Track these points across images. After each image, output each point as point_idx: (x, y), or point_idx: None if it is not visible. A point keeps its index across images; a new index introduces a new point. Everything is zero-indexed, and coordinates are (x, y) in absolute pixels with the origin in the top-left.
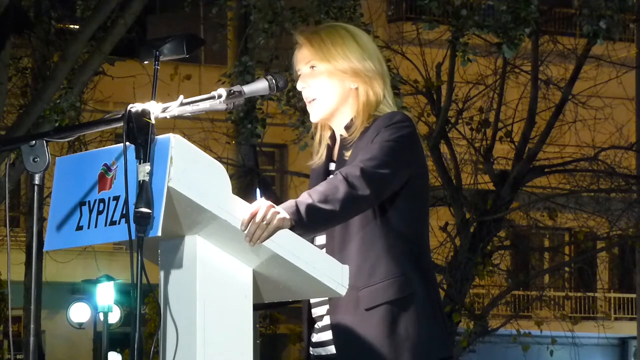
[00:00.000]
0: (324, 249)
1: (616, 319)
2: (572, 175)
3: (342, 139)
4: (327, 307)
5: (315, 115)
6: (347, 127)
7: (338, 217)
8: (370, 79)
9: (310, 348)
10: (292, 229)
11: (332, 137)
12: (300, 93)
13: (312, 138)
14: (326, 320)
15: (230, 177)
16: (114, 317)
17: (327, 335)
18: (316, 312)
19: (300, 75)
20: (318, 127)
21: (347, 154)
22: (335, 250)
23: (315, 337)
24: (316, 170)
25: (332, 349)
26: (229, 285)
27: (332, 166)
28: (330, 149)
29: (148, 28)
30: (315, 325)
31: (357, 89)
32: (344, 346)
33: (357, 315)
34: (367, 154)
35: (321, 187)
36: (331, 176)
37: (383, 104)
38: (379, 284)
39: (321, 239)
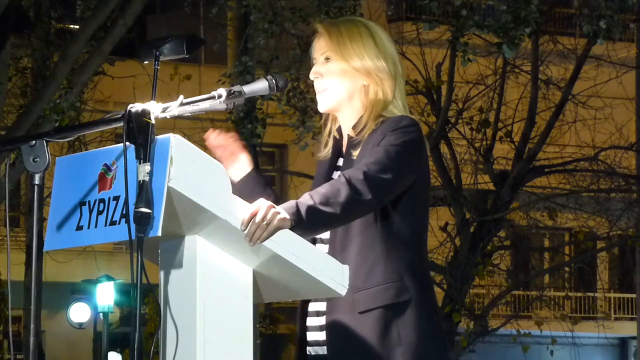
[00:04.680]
0: (327, 249)
1: (616, 319)
2: (572, 175)
3: (350, 137)
4: (320, 305)
5: (323, 105)
6: (355, 126)
7: (338, 220)
8: (381, 79)
9: (307, 347)
10: (291, 229)
11: (339, 130)
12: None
13: (315, 134)
14: (320, 321)
15: None
16: (114, 317)
17: (321, 335)
18: (314, 307)
19: (314, 64)
20: (329, 120)
21: (355, 153)
22: (336, 250)
23: (312, 336)
24: (322, 164)
25: (325, 349)
26: (229, 285)
27: (341, 161)
28: (337, 142)
29: (148, 28)
30: (312, 324)
31: (368, 86)
32: (336, 347)
33: (351, 318)
34: (371, 157)
35: (323, 189)
36: (336, 173)
37: (393, 105)
38: (374, 287)
39: (326, 234)
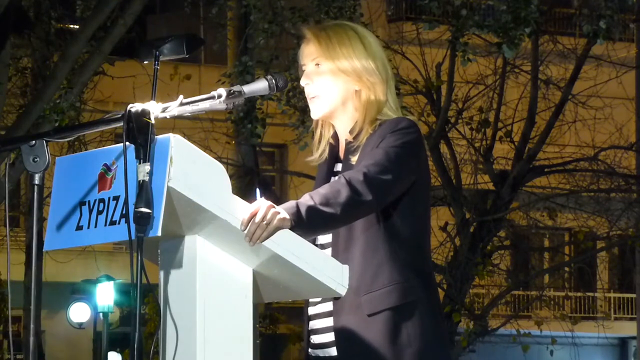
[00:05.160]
0: (330, 248)
1: (616, 319)
2: (572, 175)
3: (348, 143)
4: (326, 308)
5: (315, 112)
6: (352, 131)
7: (338, 221)
8: (372, 82)
9: (310, 349)
10: (291, 229)
11: (335, 136)
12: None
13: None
14: (327, 323)
15: (230, 177)
16: (114, 317)
17: (328, 337)
18: (315, 310)
19: (304, 70)
20: (318, 125)
21: (353, 158)
22: (339, 250)
23: (316, 339)
24: (322, 169)
25: (332, 351)
26: (229, 285)
27: (339, 167)
28: (333, 147)
29: (148, 28)
30: (315, 327)
31: (360, 91)
32: (346, 350)
33: (359, 321)
34: (371, 159)
35: (323, 190)
36: (334, 179)
37: (387, 107)
38: (381, 290)
39: (327, 238)
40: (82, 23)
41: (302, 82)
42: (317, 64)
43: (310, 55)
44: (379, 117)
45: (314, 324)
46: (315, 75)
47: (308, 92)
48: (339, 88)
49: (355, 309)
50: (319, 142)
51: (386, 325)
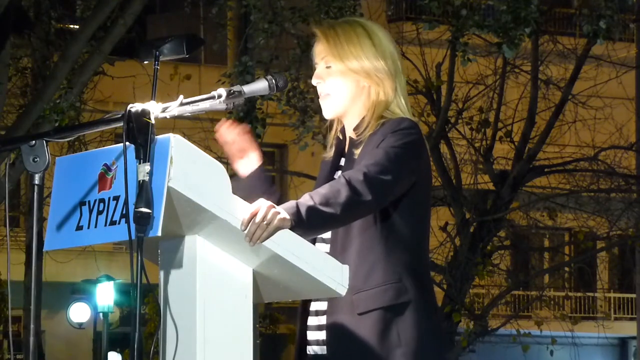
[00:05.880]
0: (328, 249)
1: (616, 319)
2: (572, 175)
3: (352, 138)
4: (325, 305)
5: (328, 112)
6: (357, 128)
7: (338, 221)
8: (381, 79)
9: (308, 346)
10: (292, 229)
11: (343, 130)
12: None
13: (315, 134)
14: (323, 320)
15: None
16: (114, 317)
17: (324, 334)
18: (314, 307)
19: (316, 69)
20: (335, 121)
21: (357, 151)
22: (337, 251)
23: (313, 335)
24: (325, 164)
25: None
26: (229, 285)
27: (343, 161)
28: (340, 142)
29: (148, 28)
30: (312, 323)
31: (369, 87)
32: (336, 348)
33: (351, 319)
34: (371, 159)
35: (323, 190)
36: (336, 177)
37: (395, 104)
38: (374, 289)
39: (327, 235)
40: (82, 23)
41: (313, 81)
42: (327, 63)
43: (320, 54)
44: (385, 114)
45: (312, 321)
46: (325, 74)
47: (320, 91)
48: (349, 86)
49: (348, 307)
50: (334, 137)
51: (377, 325)
